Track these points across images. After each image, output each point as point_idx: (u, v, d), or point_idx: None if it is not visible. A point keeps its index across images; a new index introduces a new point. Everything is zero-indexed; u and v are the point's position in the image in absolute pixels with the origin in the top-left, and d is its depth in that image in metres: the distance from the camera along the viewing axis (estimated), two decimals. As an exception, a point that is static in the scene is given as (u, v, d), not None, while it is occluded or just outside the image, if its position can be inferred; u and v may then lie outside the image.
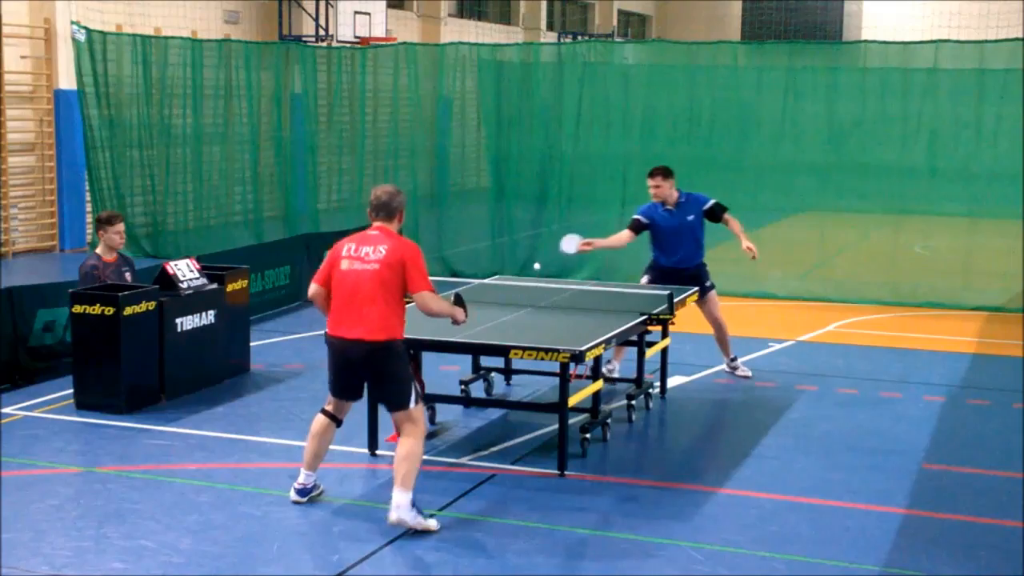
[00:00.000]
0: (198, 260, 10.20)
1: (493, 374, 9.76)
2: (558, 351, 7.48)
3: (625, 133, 15.82)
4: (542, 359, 7.64)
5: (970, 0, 31.26)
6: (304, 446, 7.14)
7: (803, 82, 15.20)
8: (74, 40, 17.19)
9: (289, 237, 15.62)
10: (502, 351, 8.13)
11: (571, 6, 38.91)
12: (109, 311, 8.89)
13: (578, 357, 7.45)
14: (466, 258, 16.41)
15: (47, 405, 9.20)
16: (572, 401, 7.88)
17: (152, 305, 9.22)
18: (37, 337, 9.95)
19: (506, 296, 9.74)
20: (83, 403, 9.06)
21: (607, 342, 7.98)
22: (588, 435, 8.12)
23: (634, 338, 8.99)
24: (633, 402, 9.01)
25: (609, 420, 8.50)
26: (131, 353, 9.00)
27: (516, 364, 9.72)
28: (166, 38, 18.06)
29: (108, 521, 6.76)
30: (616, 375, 9.77)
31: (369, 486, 7.57)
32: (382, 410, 8.03)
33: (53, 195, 18.19)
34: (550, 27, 36.43)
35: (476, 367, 9.61)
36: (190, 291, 9.66)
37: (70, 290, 9.25)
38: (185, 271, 9.77)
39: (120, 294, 8.96)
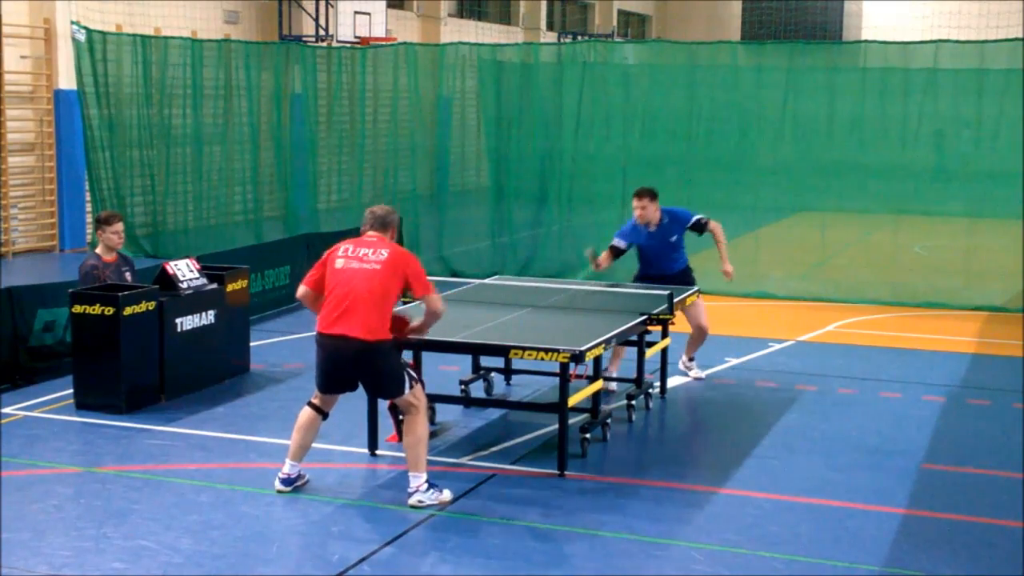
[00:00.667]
0: (198, 260, 10.20)
1: (493, 374, 9.76)
2: (558, 351, 7.48)
3: (625, 133, 15.81)
4: (542, 359, 7.64)
5: (970, 0, 31.23)
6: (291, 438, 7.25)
7: (803, 82, 15.18)
8: (74, 40, 17.19)
9: (289, 237, 15.60)
10: (502, 351, 8.13)
11: (571, 6, 38.90)
12: (109, 311, 8.89)
13: (578, 357, 7.46)
14: (466, 258, 16.40)
15: (47, 405, 9.20)
16: (572, 401, 7.88)
17: (152, 305, 9.21)
18: (37, 337, 9.95)
19: (506, 296, 9.74)
20: (83, 403, 9.06)
21: (607, 342, 7.98)
22: (588, 435, 8.12)
23: (634, 338, 8.99)
24: (633, 402, 9.01)
25: (609, 420, 8.50)
26: (131, 353, 9.00)
27: (516, 364, 9.72)
28: (166, 38, 18.06)
29: (108, 521, 6.76)
30: (613, 387, 9.75)
31: (369, 486, 7.56)
32: (382, 410, 8.05)
33: (53, 195, 18.19)
34: (550, 27, 36.43)
35: (476, 367, 9.60)
36: (190, 291, 9.66)
37: (70, 290, 9.24)
38: (185, 271, 9.77)
39: (120, 294, 8.95)
